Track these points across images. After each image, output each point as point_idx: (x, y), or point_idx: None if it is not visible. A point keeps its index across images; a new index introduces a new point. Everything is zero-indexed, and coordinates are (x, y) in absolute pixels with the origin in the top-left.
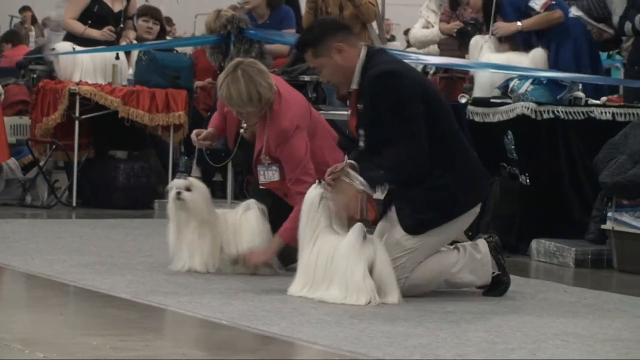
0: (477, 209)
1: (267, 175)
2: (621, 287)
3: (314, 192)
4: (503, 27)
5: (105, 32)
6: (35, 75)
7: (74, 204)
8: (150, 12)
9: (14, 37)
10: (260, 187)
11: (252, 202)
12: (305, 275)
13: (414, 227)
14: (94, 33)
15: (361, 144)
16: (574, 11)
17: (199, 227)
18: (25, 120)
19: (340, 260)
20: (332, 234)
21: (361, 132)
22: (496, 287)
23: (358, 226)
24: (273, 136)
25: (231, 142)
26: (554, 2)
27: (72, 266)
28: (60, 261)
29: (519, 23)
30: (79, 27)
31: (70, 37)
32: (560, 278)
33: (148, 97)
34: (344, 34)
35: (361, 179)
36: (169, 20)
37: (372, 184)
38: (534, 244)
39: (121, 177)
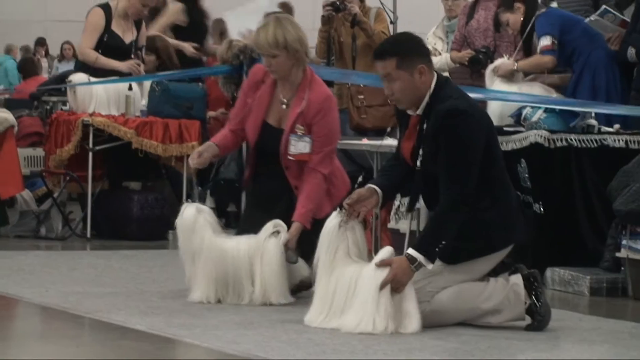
0: (508, 249)
1: (299, 146)
2: (636, 315)
3: (332, 221)
4: (503, 65)
5: (132, 65)
6: (48, 107)
7: (89, 235)
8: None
9: (28, 68)
10: (289, 157)
11: (281, 226)
12: (322, 304)
13: (447, 255)
14: (115, 64)
15: (418, 164)
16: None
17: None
18: (39, 151)
19: (361, 287)
20: (350, 263)
21: (418, 162)
22: (532, 320)
23: (385, 250)
24: (316, 100)
25: (254, 135)
26: (554, 47)
27: (87, 298)
28: (74, 293)
29: (515, 64)
30: (93, 56)
31: (84, 67)
32: (575, 306)
33: (161, 127)
34: (429, 59)
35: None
36: None
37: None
38: (548, 272)
39: (135, 208)
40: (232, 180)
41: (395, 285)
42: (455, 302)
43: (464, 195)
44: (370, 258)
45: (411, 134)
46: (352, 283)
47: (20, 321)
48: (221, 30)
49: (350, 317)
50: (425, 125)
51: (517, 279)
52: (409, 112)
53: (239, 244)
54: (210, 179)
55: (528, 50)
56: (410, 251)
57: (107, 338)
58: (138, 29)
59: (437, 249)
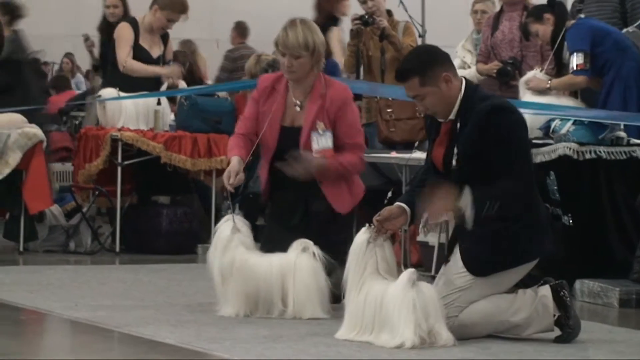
0: (536, 261)
1: (321, 142)
2: None
3: (362, 236)
4: (535, 81)
5: (175, 69)
6: (77, 122)
7: (117, 249)
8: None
9: (59, 83)
10: (315, 154)
11: (308, 243)
12: (353, 321)
13: (477, 267)
14: (158, 70)
15: (453, 163)
16: (630, 28)
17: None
18: (68, 166)
19: (388, 305)
20: (379, 278)
21: (454, 162)
22: (561, 332)
23: (409, 271)
24: (337, 97)
25: (273, 140)
26: (586, 67)
27: (116, 312)
28: (104, 307)
29: (549, 82)
30: (136, 65)
31: (112, 82)
32: (605, 318)
33: (190, 142)
34: (450, 63)
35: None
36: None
37: (476, 209)
38: (577, 284)
39: (164, 222)
40: (260, 193)
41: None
42: (484, 316)
43: (522, 188)
44: (399, 273)
45: (443, 140)
46: (378, 299)
47: (50, 336)
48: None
49: (383, 337)
50: (458, 127)
51: (545, 291)
52: (440, 120)
53: (271, 263)
54: (239, 193)
55: (559, 61)
56: None
57: (136, 352)
58: (165, 42)
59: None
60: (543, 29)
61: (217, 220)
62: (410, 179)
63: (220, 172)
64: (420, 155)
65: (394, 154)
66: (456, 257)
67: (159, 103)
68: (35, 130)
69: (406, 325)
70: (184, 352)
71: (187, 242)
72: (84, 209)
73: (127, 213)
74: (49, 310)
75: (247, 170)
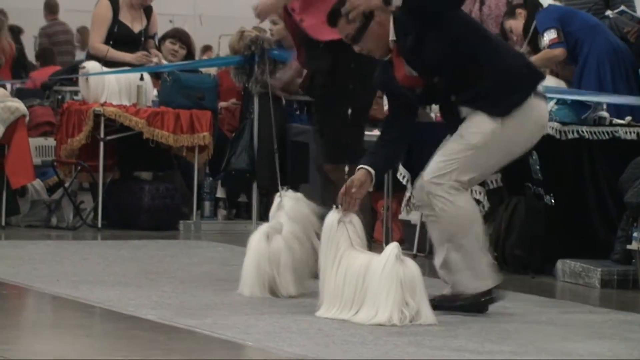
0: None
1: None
2: None
3: (331, 216)
4: None
5: (141, 57)
6: (60, 97)
7: (99, 225)
8: (179, 36)
9: (45, 56)
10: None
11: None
12: (333, 298)
13: (499, 107)
14: (127, 57)
15: (417, 91)
16: (611, 14)
17: None
18: (51, 141)
19: (372, 279)
20: (357, 254)
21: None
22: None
23: (393, 245)
24: None
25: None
26: (560, 39)
27: (98, 287)
28: (85, 282)
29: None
30: (104, 50)
31: (96, 57)
32: (586, 299)
33: (173, 118)
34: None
35: None
36: None
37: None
38: (559, 264)
39: (146, 198)
40: (244, 170)
41: None
42: (473, 210)
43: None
44: (380, 250)
45: (400, 63)
46: (360, 274)
47: (31, 311)
48: None
49: (364, 312)
50: (407, 41)
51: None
52: (380, 57)
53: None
54: (222, 169)
55: (535, 49)
56: None
57: (117, 328)
58: (148, 17)
59: None
60: (516, 23)
61: (199, 196)
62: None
63: (202, 149)
64: None
65: (376, 132)
66: (471, 118)
67: (141, 78)
68: (17, 104)
69: (390, 301)
70: (165, 328)
71: (169, 218)
72: (66, 184)
73: (109, 188)
74: (30, 285)
75: (230, 146)
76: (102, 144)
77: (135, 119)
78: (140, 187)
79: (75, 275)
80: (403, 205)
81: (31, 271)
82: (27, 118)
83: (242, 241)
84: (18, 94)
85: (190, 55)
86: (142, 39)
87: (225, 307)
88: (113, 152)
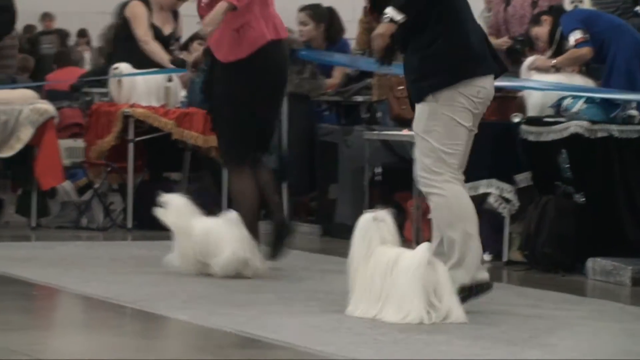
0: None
1: None
2: None
3: (366, 216)
4: (539, 61)
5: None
6: (88, 98)
7: (130, 226)
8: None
9: (63, 59)
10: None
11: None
12: (361, 293)
13: (417, 92)
14: (164, 59)
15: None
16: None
17: None
18: (80, 143)
19: (400, 278)
20: (387, 249)
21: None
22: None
23: (423, 246)
24: None
25: None
26: (586, 39)
27: (128, 288)
28: (116, 283)
29: (553, 60)
30: (156, 45)
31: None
32: (617, 297)
33: (201, 118)
34: None
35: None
36: None
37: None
38: (589, 262)
39: None
40: (273, 170)
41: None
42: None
43: None
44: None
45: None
46: (388, 269)
47: (62, 311)
48: None
49: (392, 311)
50: None
51: None
52: None
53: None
54: None
55: (560, 52)
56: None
57: (148, 328)
58: (175, 19)
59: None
60: (541, 30)
61: (229, 196)
62: None
63: None
64: None
65: (405, 132)
66: None
67: (170, 80)
68: (46, 106)
69: (416, 304)
70: (196, 328)
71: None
72: (96, 185)
73: (139, 190)
74: (62, 286)
75: None
76: (131, 145)
77: (164, 120)
78: (170, 187)
79: (106, 276)
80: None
81: (62, 272)
82: (57, 120)
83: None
84: (47, 95)
85: None
86: (172, 41)
87: (258, 306)
88: (142, 153)
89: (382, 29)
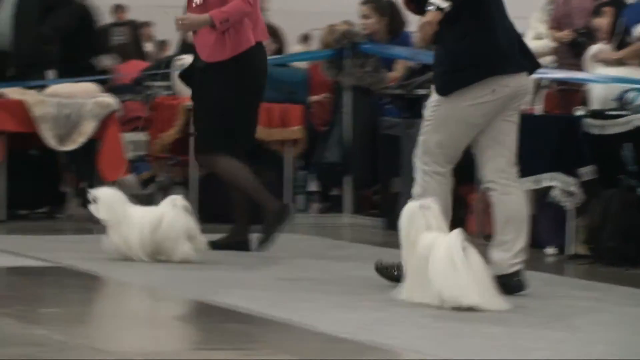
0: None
1: None
2: None
3: (411, 204)
4: (603, 54)
5: None
6: (151, 92)
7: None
8: (270, 31)
9: (122, 52)
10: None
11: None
12: (412, 280)
13: (442, 85)
14: None
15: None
16: None
17: None
18: (144, 136)
19: (437, 261)
20: (427, 234)
21: None
22: None
23: (456, 232)
24: None
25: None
26: None
27: (191, 281)
28: (180, 276)
29: (618, 53)
30: None
31: (189, 50)
32: None
33: (264, 112)
34: None
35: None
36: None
37: None
38: None
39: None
40: (335, 164)
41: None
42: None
43: None
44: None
45: None
46: (426, 251)
47: (125, 304)
48: None
49: (437, 294)
50: None
51: None
52: None
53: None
54: (313, 163)
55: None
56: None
57: (211, 320)
58: None
59: None
60: (602, 21)
61: (292, 189)
62: None
63: (293, 142)
64: None
65: None
66: None
67: None
68: (109, 99)
69: (456, 286)
70: (258, 320)
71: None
72: (159, 179)
73: (202, 183)
74: (125, 278)
75: (321, 140)
76: (192, 139)
77: None
78: None
79: (169, 269)
80: None
81: (125, 265)
82: (120, 113)
83: (334, 234)
84: (110, 89)
85: (281, 49)
86: None
87: (320, 298)
88: None
89: (430, 16)
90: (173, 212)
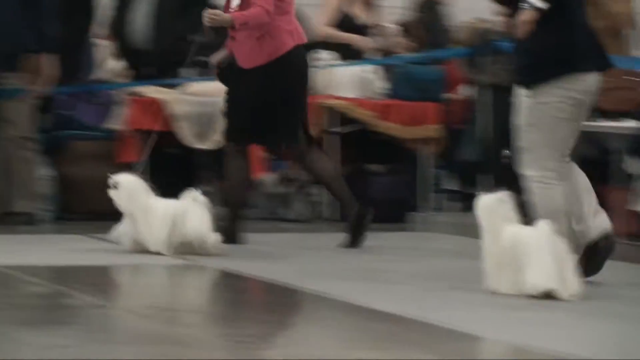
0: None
1: (234, 1)
2: None
3: (488, 196)
4: None
5: (367, 41)
6: None
7: (333, 218)
8: (410, 28)
9: None
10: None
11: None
12: (497, 270)
13: (525, 76)
14: (353, 39)
15: None
16: None
17: None
18: None
19: (527, 251)
20: (512, 226)
21: None
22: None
23: (544, 222)
24: None
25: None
26: None
27: (333, 279)
28: (321, 275)
29: None
30: (329, 31)
31: (323, 46)
32: None
33: (402, 110)
34: None
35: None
36: None
37: None
38: None
39: (377, 191)
40: (473, 162)
41: None
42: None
43: None
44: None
45: None
46: (512, 240)
47: (272, 304)
48: None
49: (528, 283)
50: None
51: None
52: None
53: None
54: (451, 161)
55: None
56: None
57: (355, 320)
58: (374, 9)
59: None
60: None
61: (430, 188)
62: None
63: (431, 141)
64: (633, 124)
65: (606, 123)
66: None
67: (370, 71)
68: None
69: (547, 272)
70: (406, 322)
71: (399, 210)
72: (299, 177)
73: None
74: (272, 278)
75: (459, 138)
76: (334, 137)
77: (365, 112)
78: (371, 179)
79: (314, 269)
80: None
81: (272, 264)
82: None
83: (473, 233)
84: None
85: (421, 47)
86: (366, 31)
87: (457, 298)
88: (343, 145)
89: (527, 15)
90: (197, 207)
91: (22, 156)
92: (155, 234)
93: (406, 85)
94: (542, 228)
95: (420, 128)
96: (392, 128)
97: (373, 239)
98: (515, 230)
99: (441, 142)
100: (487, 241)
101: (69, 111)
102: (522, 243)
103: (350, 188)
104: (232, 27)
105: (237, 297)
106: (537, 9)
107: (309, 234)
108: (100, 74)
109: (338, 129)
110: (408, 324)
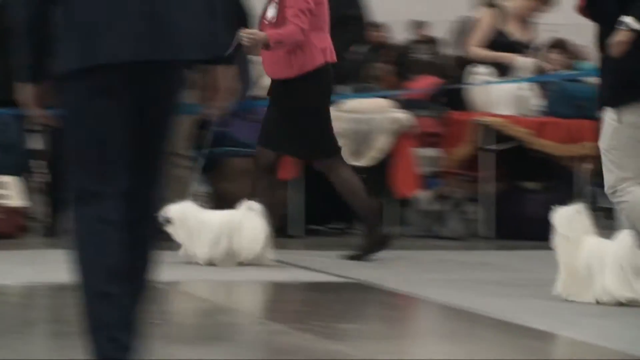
0: None
1: (270, 13)
2: None
3: (567, 208)
4: None
5: (531, 63)
6: (444, 107)
7: (488, 235)
8: (565, 46)
9: (418, 68)
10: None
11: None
12: (572, 278)
13: (609, 97)
14: (511, 58)
15: None
16: None
17: None
18: (437, 151)
19: (604, 261)
20: (589, 237)
21: None
22: None
23: (626, 232)
24: None
25: None
26: None
27: (484, 296)
28: (479, 293)
29: None
30: (483, 52)
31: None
32: None
33: (558, 127)
34: None
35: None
36: None
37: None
38: None
39: (534, 208)
40: None
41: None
42: None
43: None
44: None
45: None
46: (593, 252)
47: (419, 320)
48: None
49: (604, 292)
50: None
51: None
52: None
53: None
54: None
55: None
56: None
57: (506, 337)
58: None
59: None
60: None
61: (588, 206)
62: None
63: (587, 158)
64: None
65: None
66: None
67: (526, 89)
68: (400, 115)
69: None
70: (555, 338)
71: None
72: (454, 195)
73: (498, 199)
74: (424, 295)
75: None
76: (489, 154)
77: (520, 129)
78: (527, 197)
79: (464, 286)
80: None
81: (427, 282)
82: (416, 129)
83: None
84: (406, 104)
85: (571, 64)
86: (521, 49)
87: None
88: (498, 162)
89: (622, 36)
90: (253, 217)
91: (174, 174)
92: (206, 246)
93: (562, 102)
94: (624, 239)
95: (576, 146)
96: (547, 145)
97: (526, 257)
98: (594, 240)
99: (597, 160)
100: (563, 251)
101: (224, 128)
102: (602, 253)
103: (506, 205)
104: (267, 46)
105: (392, 314)
106: (634, 31)
107: (464, 251)
108: (256, 90)
109: (494, 147)
110: (551, 340)
